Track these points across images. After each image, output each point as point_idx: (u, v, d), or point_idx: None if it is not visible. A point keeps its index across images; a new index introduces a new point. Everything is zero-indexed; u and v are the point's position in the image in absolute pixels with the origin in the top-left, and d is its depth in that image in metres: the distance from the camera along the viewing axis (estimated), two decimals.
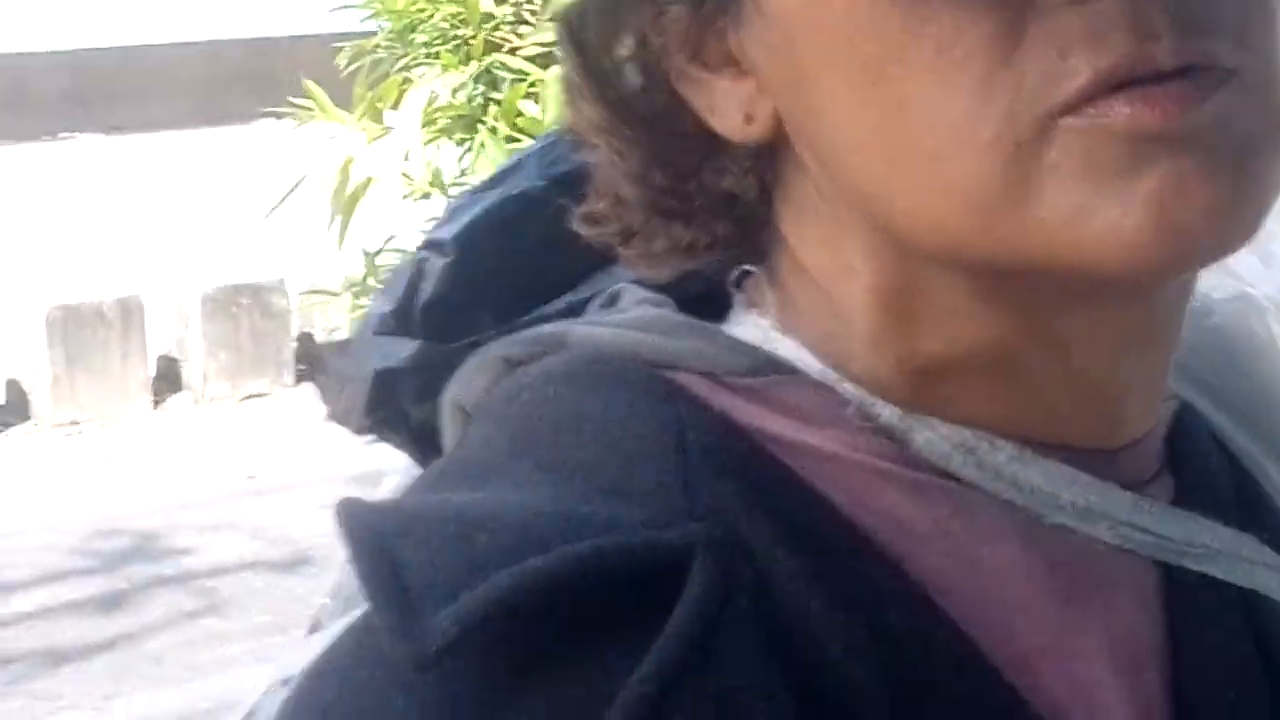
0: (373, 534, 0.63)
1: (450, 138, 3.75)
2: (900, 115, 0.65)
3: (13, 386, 7.14)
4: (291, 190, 3.84)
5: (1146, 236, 0.63)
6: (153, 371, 7.26)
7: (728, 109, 0.70)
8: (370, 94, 3.74)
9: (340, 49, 3.91)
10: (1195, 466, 0.76)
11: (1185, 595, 0.72)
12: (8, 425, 7.05)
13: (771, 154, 0.71)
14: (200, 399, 7.34)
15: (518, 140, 3.64)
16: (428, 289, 0.80)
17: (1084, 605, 0.71)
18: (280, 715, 0.66)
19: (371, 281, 3.82)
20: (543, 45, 3.68)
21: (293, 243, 4.80)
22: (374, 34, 3.86)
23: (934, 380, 0.70)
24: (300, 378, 7.39)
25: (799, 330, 0.72)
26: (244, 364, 7.39)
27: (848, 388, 0.70)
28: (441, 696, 0.61)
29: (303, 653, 1.20)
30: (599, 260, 0.78)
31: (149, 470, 6.55)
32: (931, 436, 0.70)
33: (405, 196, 3.75)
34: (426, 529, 0.63)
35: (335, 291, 4.11)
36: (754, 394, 0.70)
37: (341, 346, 0.84)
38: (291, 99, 3.86)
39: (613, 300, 0.78)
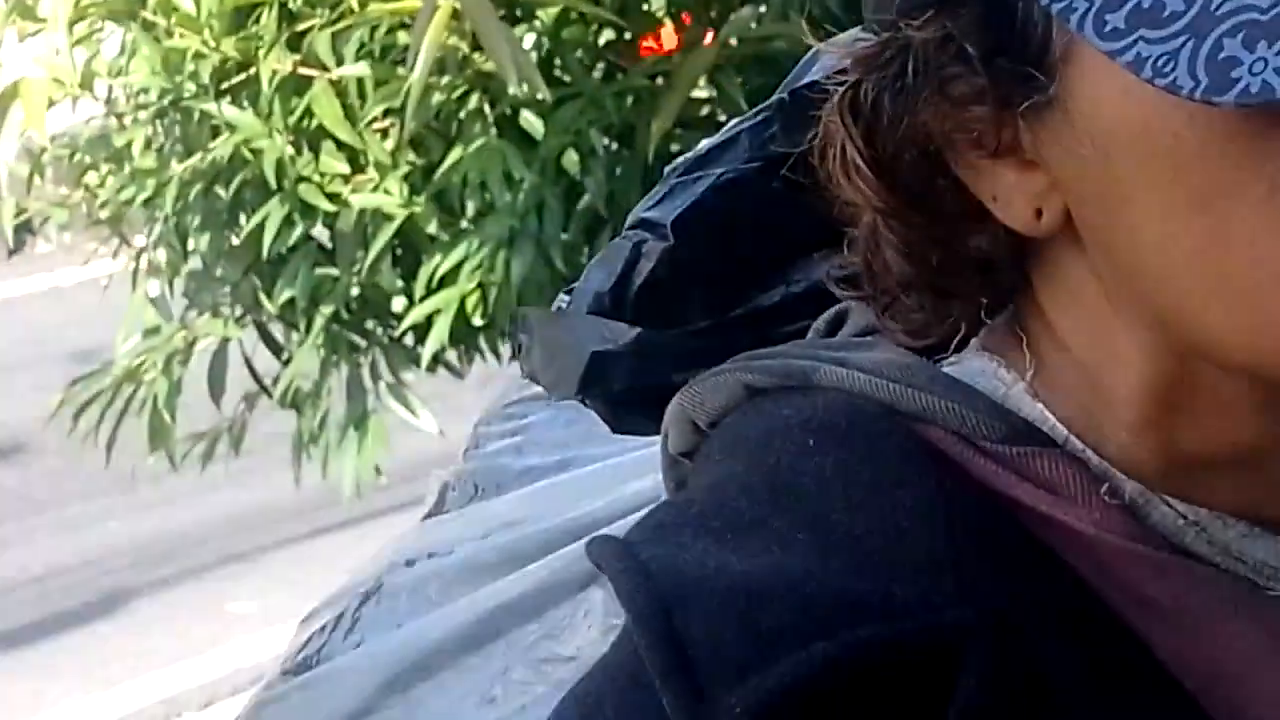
0: (654, 603, 0.65)
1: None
2: (1224, 247, 0.64)
3: None
4: None
5: None
6: None
7: (1015, 200, 0.70)
8: None
9: None
10: None
11: None
12: None
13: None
14: None
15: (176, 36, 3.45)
16: (644, 271, 0.84)
17: None
18: None
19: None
20: None
21: None
22: None
23: (1181, 467, 0.71)
24: None
25: (1051, 400, 0.72)
26: None
27: (1099, 463, 0.71)
28: None
29: (426, 535, 1.14)
30: (806, 247, 0.83)
31: None
32: (1166, 512, 0.71)
33: (54, 102, 3.53)
34: (709, 601, 0.65)
35: None
36: (1007, 461, 0.70)
37: (549, 316, 0.88)
38: None
39: (839, 320, 0.79)
